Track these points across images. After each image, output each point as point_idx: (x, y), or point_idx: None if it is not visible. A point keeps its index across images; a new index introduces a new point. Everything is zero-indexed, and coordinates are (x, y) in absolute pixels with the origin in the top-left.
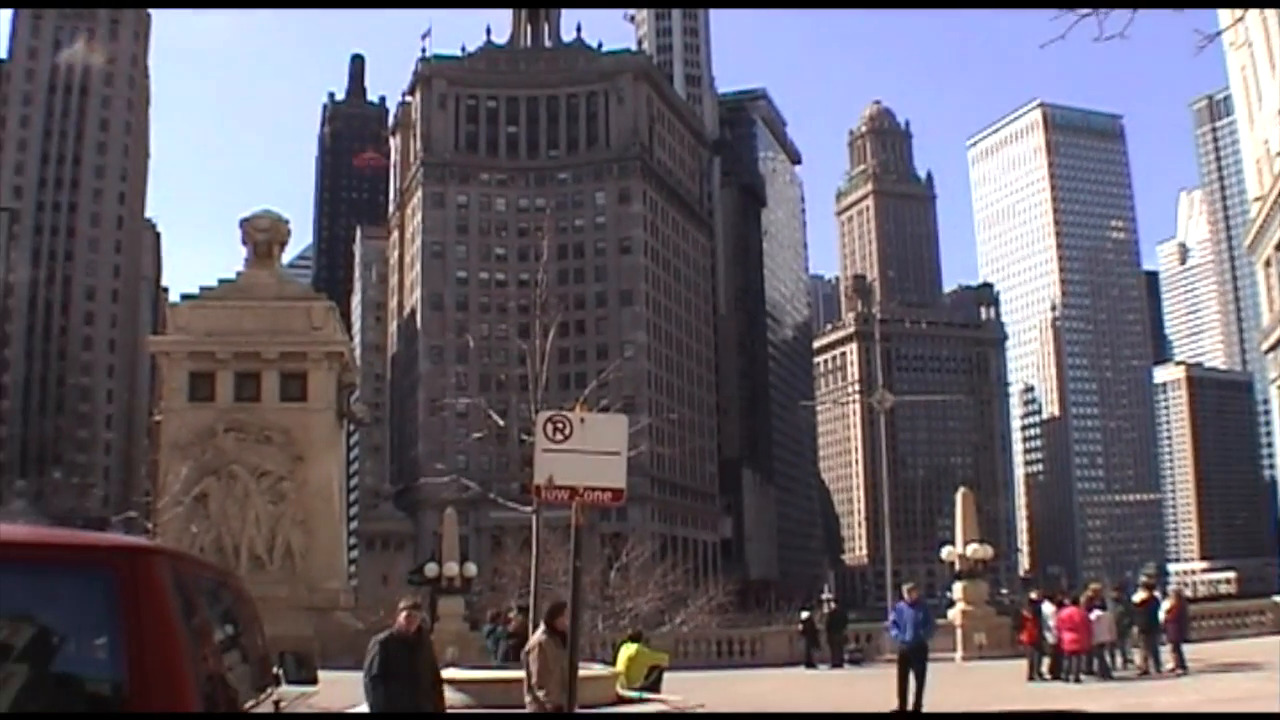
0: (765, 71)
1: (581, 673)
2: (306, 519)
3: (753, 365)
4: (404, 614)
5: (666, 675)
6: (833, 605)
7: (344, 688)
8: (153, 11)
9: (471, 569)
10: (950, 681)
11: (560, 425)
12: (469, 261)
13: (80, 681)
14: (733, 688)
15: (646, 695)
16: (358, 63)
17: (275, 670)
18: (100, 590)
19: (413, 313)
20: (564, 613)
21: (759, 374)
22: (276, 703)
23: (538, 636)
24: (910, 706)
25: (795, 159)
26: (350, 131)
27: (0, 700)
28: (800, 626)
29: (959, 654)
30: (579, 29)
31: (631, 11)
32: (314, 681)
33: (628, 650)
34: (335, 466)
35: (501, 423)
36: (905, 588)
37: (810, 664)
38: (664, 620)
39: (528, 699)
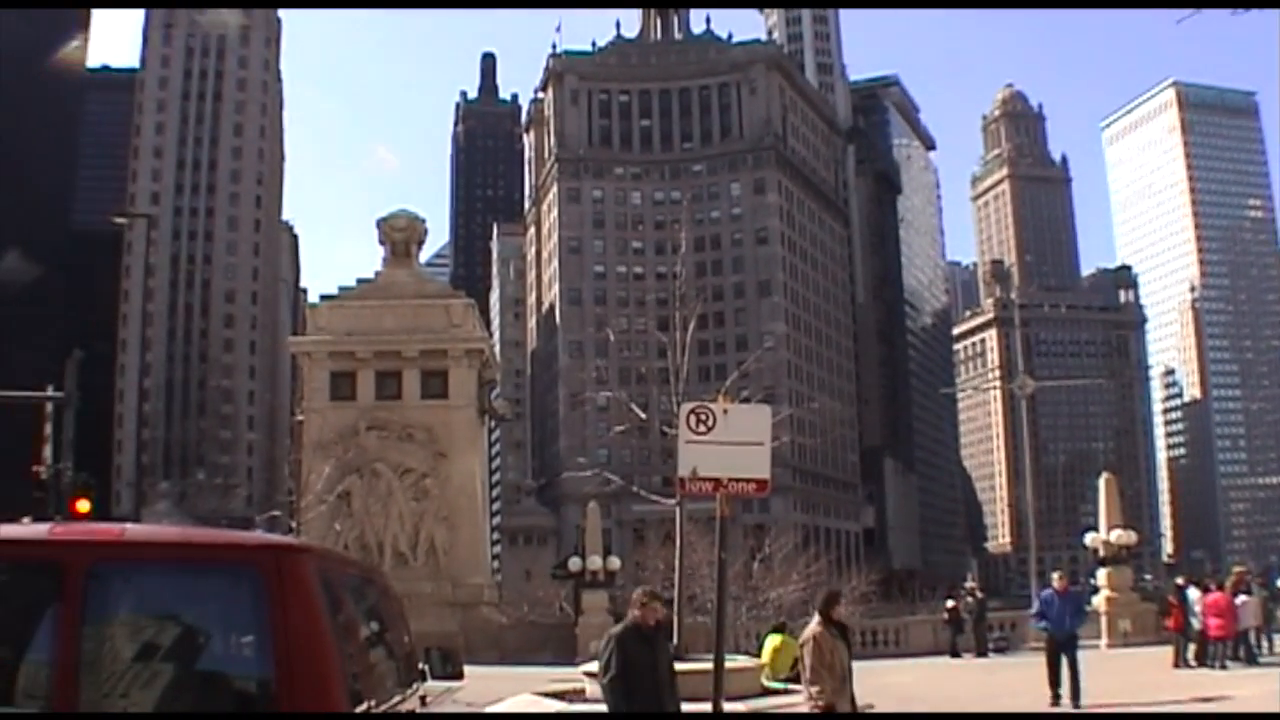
0: (896, 58)
1: (727, 664)
2: (449, 515)
3: (892, 353)
4: (641, 605)
5: None
6: (977, 594)
7: (488, 682)
8: (283, 15)
9: (615, 562)
10: (1096, 669)
11: (703, 417)
12: (606, 256)
13: (229, 678)
14: (877, 678)
15: (791, 686)
16: (489, 61)
17: (421, 666)
18: (248, 588)
19: (551, 308)
20: (840, 601)
21: (899, 362)
22: (423, 698)
23: (812, 628)
24: (1068, 697)
25: (929, 145)
26: (484, 129)
27: (150, 697)
28: (945, 616)
29: (1104, 641)
30: (708, 21)
31: None
32: (460, 676)
33: (773, 641)
34: (477, 462)
35: (643, 416)
36: (1054, 576)
37: (955, 653)
38: (808, 611)
39: (801, 696)
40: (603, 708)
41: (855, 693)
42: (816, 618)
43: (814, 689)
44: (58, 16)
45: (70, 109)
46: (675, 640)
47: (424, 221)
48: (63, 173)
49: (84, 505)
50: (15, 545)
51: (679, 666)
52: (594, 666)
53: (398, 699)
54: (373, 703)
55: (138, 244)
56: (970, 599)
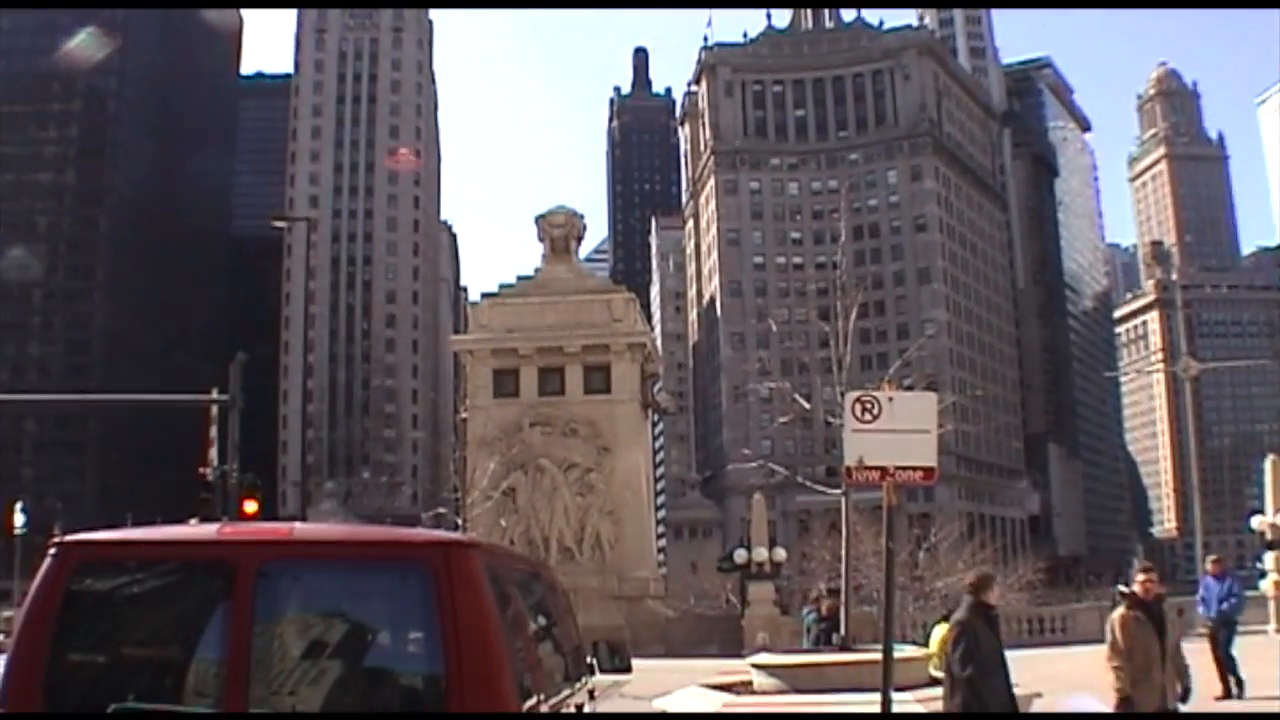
0: (1048, 39)
1: (895, 654)
2: (615, 509)
3: (1054, 338)
4: (1142, 579)
5: None
6: None
7: (655, 675)
8: (434, 17)
9: (780, 553)
10: (1259, 656)
11: (869, 405)
12: (765, 247)
13: (398, 676)
14: (1043, 666)
15: None
16: (641, 56)
17: (589, 659)
18: (417, 585)
19: (712, 300)
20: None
21: (1061, 346)
22: (590, 691)
23: (1120, 613)
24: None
25: (1084, 126)
26: (639, 124)
27: (320, 695)
28: (1112, 603)
29: (1272, 626)
30: (859, 8)
31: None
32: (627, 669)
33: (941, 631)
34: (642, 456)
35: (807, 406)
36: (1209, 560)
37: None
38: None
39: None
40: (775, 702)
41: (1012, 680)
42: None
43: (1117, 679)
44: (212, 26)
45: (227, 117)
46: (843, 631)
47: (582, 217)
48: (222, 180)
49: (252, 506)
50: (186, 546)
51: (848, 657)
52: (761, 658)
53: (566, 693)
54: (541, 697)
55: (298, 247)
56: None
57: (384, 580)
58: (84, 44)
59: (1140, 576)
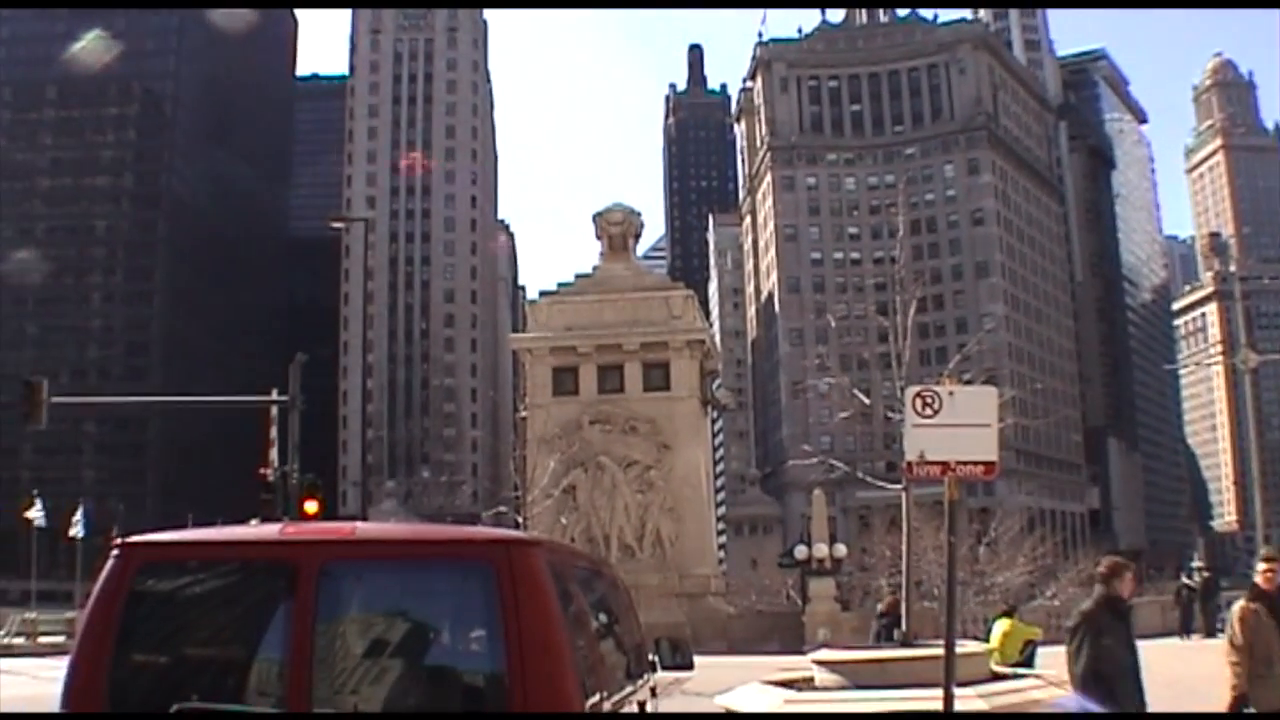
0: (1102, 31)
1: (956, 649)
2: (675, 506)
3: (1112, 331)
4: (1263, 569)
5: (1040, 650)
6: (1205, 573)
7: (716, 672)
8: (489, 16)
9: (841, 549)
10: None
11: (929, 400)
12: (823, 243)
13: (461, 674)
14: None
15: (1022, 671)
16: (696, 52)
17: (651, 656)
18: (479, 583)
19: (770, 297)
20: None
21: (1119, 339)
22: (653, 688)
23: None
24: None
25: (1141, 118)
26: (694, 121)
27: (382, 694)
28: (1176, 596)
29: None
30: (914, 8)
31: None
32: (690, 666)
33: (1002, 625)
34: (701, 453)
35: (867, 401)
36: (1260, 554)
37: (1186, 633)
38: (1034, 594)
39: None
40: (838, 698)
41: (1059, 674)
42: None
43: (1234, 675)
44: (266, 29)
45: (283, 119)
46: (904, 626)
47: (639, 215)
48: (279, 182)
49: (312, 506)
50: (248, 546)
51: (910, 653)
52: (822, 654)
53: (628, 690)
54: (604, 694)
55: (356, 248)
56: (1198, 578)
57: (446, 579)
58: (91, 46)
59: (1262, 567)
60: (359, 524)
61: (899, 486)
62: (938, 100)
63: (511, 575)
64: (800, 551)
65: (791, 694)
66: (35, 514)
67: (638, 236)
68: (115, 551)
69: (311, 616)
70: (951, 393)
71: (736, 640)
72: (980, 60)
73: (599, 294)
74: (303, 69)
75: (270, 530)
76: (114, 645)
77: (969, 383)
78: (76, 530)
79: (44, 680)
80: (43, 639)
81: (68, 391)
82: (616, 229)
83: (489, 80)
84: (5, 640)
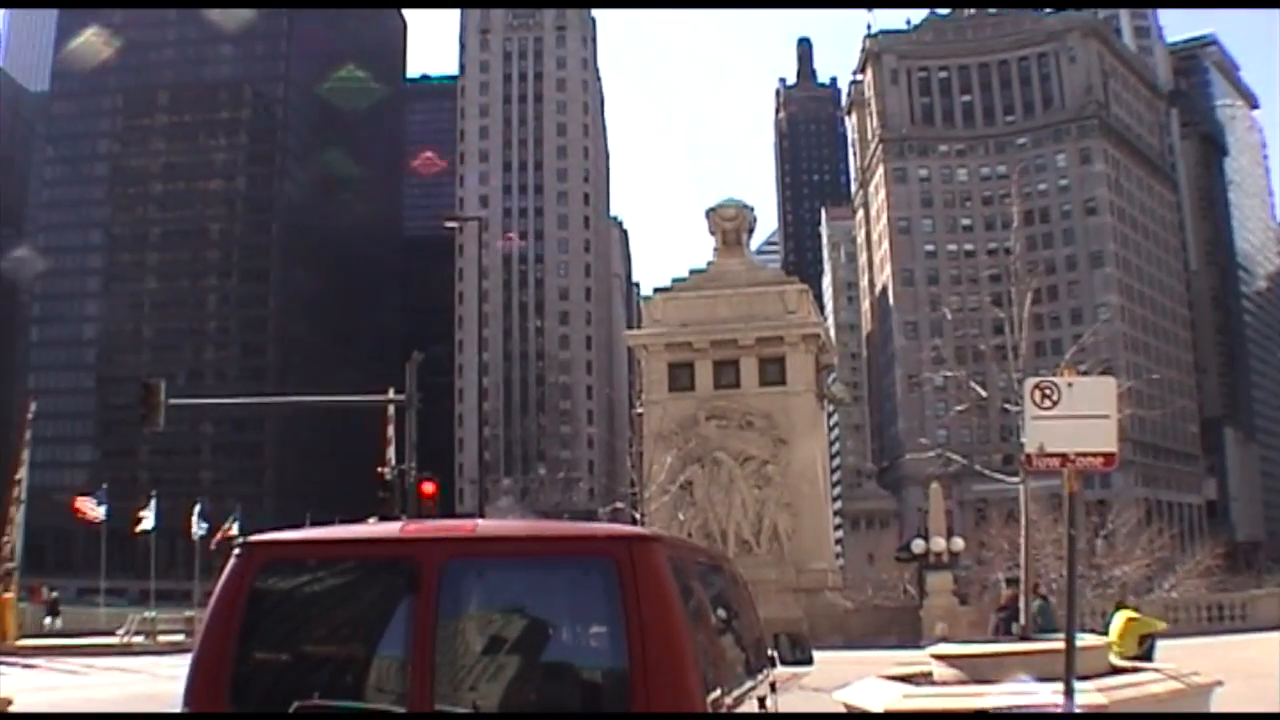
0: (1211, 16)
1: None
2: (792, 501)
3: (1227, 320)
4: None
5: (1159, 643)
6: None
7: (833, 667)
8: (597, 13)
9: (958, 543)
10: None
11: (1048, 392)
12: (936, 235)
13: (582, 670)
14: (1223, 653)
15: (1141, 664)
16: (805, 46)
17: (770, 652)
18: (600, 580)
19: (884, 290)
20: None
21: (1235, 328)
22: (773, 684)
23: None
24: None
25: (1252, 104)
26: (805, 115)
27: (504, 691)
28: None
29: None
30: (1019, 8)
31: None
32: (809, 661)
33: (1121, 618)
34: (817, 448)
35: (983, 394)
36: None
37: None
38: (1151, 586)
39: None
40: (956, 693)
41: (1201, 667)
42: None
43: None
44: (375, 31)
45: (394, 120)
46: (1022, 620)
47: (752, 209)
48: (391, 182)
49: (429, 487)
50: (369, 544)
51: (1028, 647)
52: (940, 648)
53: (748, 686)
54: (724, 690)
55: (469, 247)
56: None
57: (568, 575)
58: (88, 44)
59: None
60: (480, 521)
61: (1016, 480)
62: (1048, 89)
63: (633, 571)
64: (917, 545)
65: (910, 689)
66: (146, 515)
67: (751, 231)
68: (237, 551)
69: (433, 614)
70: (1070, 384)
71: (853, 635)
72: (1090, 48)
73: (714, 289)
74: (412, 70)
75: (391, 528)
76: (236, 643)
77: (1085, 374)
78: (196, 530)
79: (164, 678)
80: (162, 638)
81: (185, 393)
82: (730, 224)
83: (599, 77)
84: (125, 639)
